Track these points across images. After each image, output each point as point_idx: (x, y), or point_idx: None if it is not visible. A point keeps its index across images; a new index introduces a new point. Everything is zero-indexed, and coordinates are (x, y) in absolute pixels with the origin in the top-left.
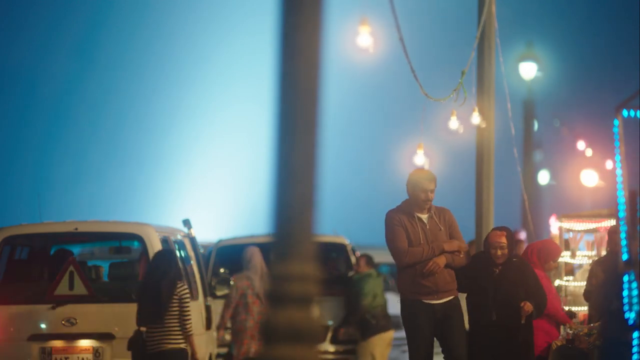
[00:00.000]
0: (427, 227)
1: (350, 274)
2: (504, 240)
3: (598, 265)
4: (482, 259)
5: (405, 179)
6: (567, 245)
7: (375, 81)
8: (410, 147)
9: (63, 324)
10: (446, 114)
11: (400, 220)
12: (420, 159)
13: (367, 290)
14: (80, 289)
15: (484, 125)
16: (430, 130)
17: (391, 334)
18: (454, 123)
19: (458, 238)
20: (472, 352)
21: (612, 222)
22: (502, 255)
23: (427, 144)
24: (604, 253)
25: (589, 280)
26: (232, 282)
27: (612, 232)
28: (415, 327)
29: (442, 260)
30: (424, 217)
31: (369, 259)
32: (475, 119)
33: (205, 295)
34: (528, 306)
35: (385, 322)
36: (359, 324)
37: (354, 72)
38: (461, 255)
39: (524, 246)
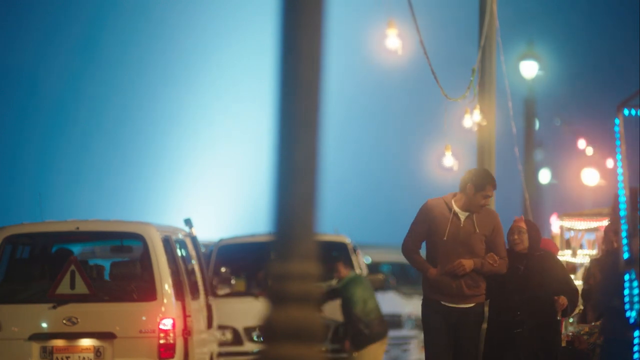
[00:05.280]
0: (462, 225)
1: (333, 282)
2: (523, 225)
3: (596, 264)
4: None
5: (406, 178)
6: (568, 244)
7: (379, 81)
8: (414, 146)
9: (64, 323)
10: (451, 113)
11: (429, 214)
12: (449, 160)
13: (356, 296)
14: (81, 288)
15: (484, 123)
16: (436, 129)
17: (386, 339)
18: (468, 121)
19: (499, 244)
20: (494, 355)
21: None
22: (520, 240)
23: (431, 144)
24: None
25: (586, 279)
26: (232, 281)
27: (609, 231)
28: (431, 327)
29: (469, 263)
30: (463, 214)
31: (345, 261)
32: (476, 116)
33: (206, 294)
34: (563, 299)
35: (380, 329)
36: (353, 334)
37: (356, 71)
38: (493, 264)
39: None
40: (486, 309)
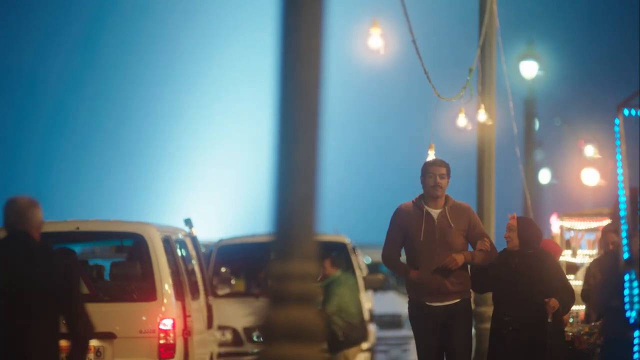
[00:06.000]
0: (436, 223)
1: (318, 279)
2: (513, 222)
3: (596, 264)
4: (500, 256)
5: (406, 177)
6: (568, 244)
7: (378, 81)
8: (414, 145)
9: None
10: (450, 112)
11: (401, 218)
12: (431, 158)
13: (334, 299)
14: (81, 288)
15: (490, 123)
16: (437, 129)
17: (361, 346)
18: (462, 120)
19: (481, 235)
20: (493, 354)
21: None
22: (509, 238)
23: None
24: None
25: (586, 280)
26: (232, 281)
27: (606, 232)
28: (420, 330)
29: (460, 258)
30: (435, 212)
31: (333, 260)
32: (482, 116)
33: (206, 294)
34: (553, 302)
35: (357, 335)
36: (326, 335)
37: (356, 71)
38: (486, 250)
39: None
40: (483, 309)
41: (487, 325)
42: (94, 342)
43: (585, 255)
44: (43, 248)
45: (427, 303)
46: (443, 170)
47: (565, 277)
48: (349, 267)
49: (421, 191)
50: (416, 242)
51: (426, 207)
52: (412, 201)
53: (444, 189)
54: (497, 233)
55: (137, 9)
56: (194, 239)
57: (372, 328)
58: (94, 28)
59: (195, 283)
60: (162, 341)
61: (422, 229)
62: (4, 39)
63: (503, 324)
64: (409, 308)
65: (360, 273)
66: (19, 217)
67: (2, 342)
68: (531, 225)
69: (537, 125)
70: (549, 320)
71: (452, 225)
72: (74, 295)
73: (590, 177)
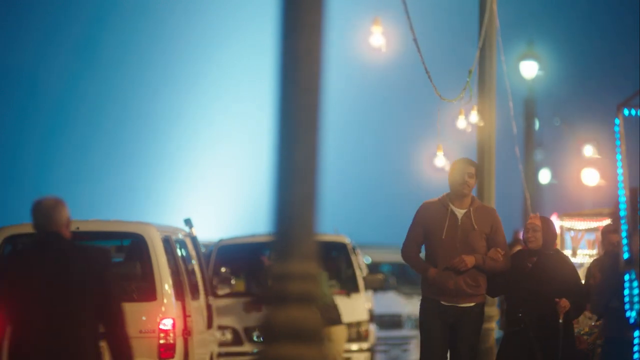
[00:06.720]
0: (459, 223)
1: None
2: (537, 222)
3: (596, 264)
4: (516, 256)
5: (406, 178)
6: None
7: (378, 81)
8: (414, 145)
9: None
10: (451, 113)
11: (425, 215)
12: (440, 160)
13: None
14: None
15: (481, 124)
16: (433, 129)
17: (336, 330)
18: (462, 122)
19: (500, 243)
20: (506, 354)
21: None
22: (533, 238)
23: (430, 143)
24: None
25: (586, 280)
26: (232, 281)
27: (606, 232)
28: (427, 328)
29: (470, 260)
30: (460, 212)
31: None
32: (474, 117)
33: (206, 294)
34: (564, 302)
35: (331, 315)
36: None
37: (356, 72)
38: (497, 260)
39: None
40: (490, 309)
41: (488, 325)
42: None
43: (585, 255)
44: (77, 247)
45: (442, 302)
46: (472, 169)
47: (580, 280)
48: (349, 267)
49: (422, 191)
50: (437, 240)
51: (451, 206)
52: (438, 199)
53: (471, 188)
54: None
55: (137, 9)
56: (194, 239)
57: (372, 328)
58: (94, 28)
59: (195, 283)
60: (162, 341)
61: (444, 228)
62: (4, 39)
63: (515, 321)
64: (420, 305)
65: (360, 273)
66: (46, 219)
67: (42, 344)
68: (552, 225)
69: (537, 125)
70: (560, 320)
71: (475, 227)
72: (111, 294)
73: (590, 177)
